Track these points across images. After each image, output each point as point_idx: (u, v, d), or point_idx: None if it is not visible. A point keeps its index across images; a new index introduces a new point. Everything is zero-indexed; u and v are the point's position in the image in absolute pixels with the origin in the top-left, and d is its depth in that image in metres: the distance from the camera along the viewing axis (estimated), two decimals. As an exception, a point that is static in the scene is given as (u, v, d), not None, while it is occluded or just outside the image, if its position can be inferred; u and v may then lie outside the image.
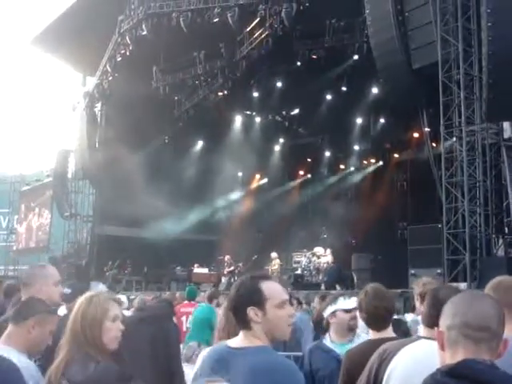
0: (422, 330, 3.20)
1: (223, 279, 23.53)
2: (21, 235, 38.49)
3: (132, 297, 12.23)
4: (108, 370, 3.03)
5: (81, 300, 3.23)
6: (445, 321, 2.02)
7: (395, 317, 9.21)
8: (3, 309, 5.71)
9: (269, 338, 2.74)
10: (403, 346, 3.08)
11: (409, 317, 7.97)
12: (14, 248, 38.29)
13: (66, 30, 25.07)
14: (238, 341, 2.78)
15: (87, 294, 3.30)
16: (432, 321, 3.07)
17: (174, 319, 6.67)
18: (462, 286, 13.28)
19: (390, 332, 3.86)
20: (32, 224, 36.98)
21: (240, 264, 24.11)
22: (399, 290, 13.66)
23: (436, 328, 2.11)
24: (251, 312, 2.79)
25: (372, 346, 3.57)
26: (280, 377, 2.62)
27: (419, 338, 3.14)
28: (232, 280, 23.25)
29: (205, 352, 2.99)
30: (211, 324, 7.73)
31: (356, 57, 21.84)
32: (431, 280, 4.13)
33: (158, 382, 5.39)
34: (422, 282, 4.03)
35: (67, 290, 6.31)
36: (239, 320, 2.81)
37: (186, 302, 10.45)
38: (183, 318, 9.53)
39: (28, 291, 3.96)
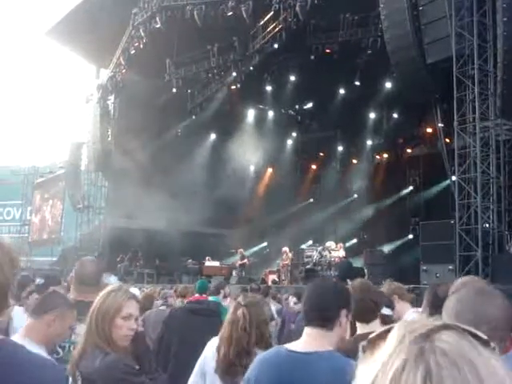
0: None
1: (234, 272, 23.58)
2: (35, 226, 38.70)
3: (144, 289, 12.27)
4: (115, 363, 3.04)
5: (101, 293, 3.26)
6: (449, 318, 1.98)
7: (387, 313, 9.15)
8: (17, 299, 5.76)
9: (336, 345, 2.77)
10: None
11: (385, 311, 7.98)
12: (30, 239, 38.49)
13: (80, 22, 25.12)
14: (305, 344, 2.73)
15: (108, 288, 3.31)
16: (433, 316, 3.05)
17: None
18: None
19: (377, 325, 3.86)
20: (46, 215, 37.17)
21: (250, 258, 24.19)
22: (411, 286, 13.66)
23: None
24: (343, 313, 2.81)
25: (360, 340, 3.57)
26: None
27: None
28: (243, 273, 23.32)
29: (256, 358, 2.92)
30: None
31: (370, 51, 21.73)
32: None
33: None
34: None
35: (40, 281, 6.37)
36: (323, 318, 2.76)
37: (196, 294, 10.47)
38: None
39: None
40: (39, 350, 3.16)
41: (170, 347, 5.92)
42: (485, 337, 0.81)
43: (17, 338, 3.21)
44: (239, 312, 3.74)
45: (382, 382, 0.77)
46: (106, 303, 3.17)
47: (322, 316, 2.77)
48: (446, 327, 0.81)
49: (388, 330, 0.83)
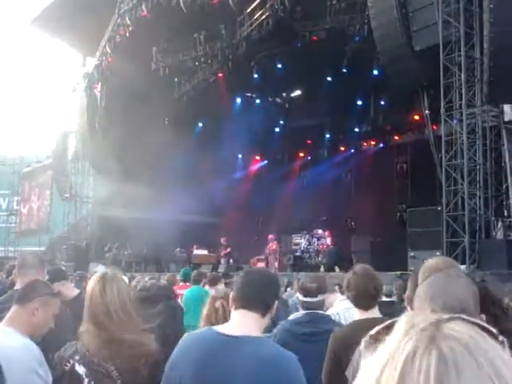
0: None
1: (222, 261, 23.63)
2: (23, 216, 38.54)
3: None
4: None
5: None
6: (421, 304, 2.00)
7: (387, 299, 9.24)
8: (5, 288, 5.75)
9: None
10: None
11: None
12: (17, 229, 38.35)
13: (65, 11, 24.96)
14: (237, 327, 2.71)
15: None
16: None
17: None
18: (461, 268, 13.33)
19: (376, 312, 3.88)
20: (33, 205, 37.02)
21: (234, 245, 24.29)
22: (398, 272, 13.73)
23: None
24: (276, 303, 2.84)
25: (359, 326, 3.60)
26: (287, 368, 2.62)
27: None
28: (231, 261, 23.37)
29: (182, 339, 2.85)
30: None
31: (357, 38, 21.70)
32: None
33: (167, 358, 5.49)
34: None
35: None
36: (264, 303, 2.78)
37: (181, 283, 10.54)
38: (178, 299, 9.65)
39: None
40: (24, 338, 3.16)
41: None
42: (494, 330, 0.81)
43: (0, 327, 3.21)
44: (217, 304, 3.76)
45: (391, 370, 0.75)
46: None
47: (263, 301, 2.78)
48: (453, 318, 0.81)
49: (392, 324, 0.83)
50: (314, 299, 4.48)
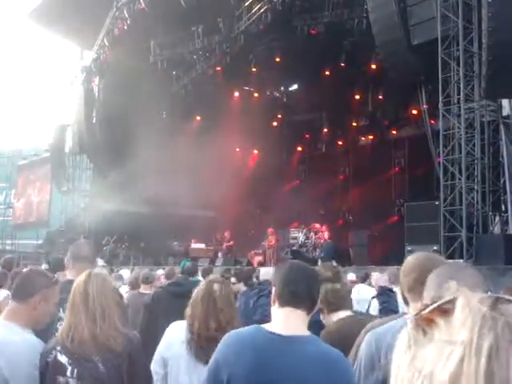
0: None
1: (220, 254, 23.65)
2: (18, 210, 38.47)
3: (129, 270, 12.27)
4: None
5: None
6: (429, 292, 2.04)
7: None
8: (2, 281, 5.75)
9: None
10: (387, 323, 3.09)
11: None
12: (14, 222, 38.29)
13: (63, 4, 24.88)
14: (285, 326, 2.64)
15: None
16: (412, 297, 3.10)
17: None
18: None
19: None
20: (32, 198, 36.92)
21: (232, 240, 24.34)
22: (395, 267, 13.74)
23: (420, 302, 2.14)
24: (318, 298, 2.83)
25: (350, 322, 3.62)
26: (342, 369, 2.62)
27: (403, 314, 3.16)
28: (229, 255, 23.39)
29: (229, 337, 2.75)
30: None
31: (355, 32, 21.65)
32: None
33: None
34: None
35: (45, 266, 6.36)
36: (311, 301, 2.72)
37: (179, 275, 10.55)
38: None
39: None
40: (26, 334, 3.16)
41: (157, 333, 5.92)
42: None
43: (1, 322, 3.20)
44: (215, 286, 3.71)
45: (474, 367, 0.68)
46: None
47: (311, 298, 2.72)
48: (502, 300, 0.75)
49: (446, 303, 0.76)
50: None
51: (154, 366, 3.68)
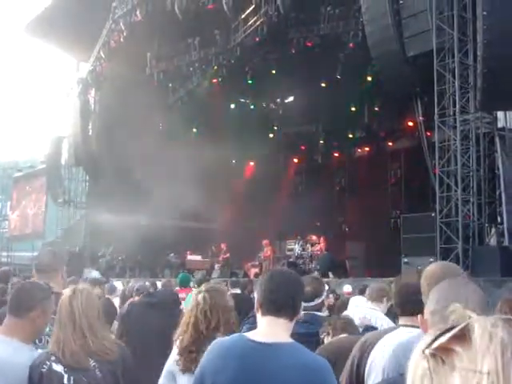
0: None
1: (216, 266, 23.61)
2: (14, 222, 38.40)
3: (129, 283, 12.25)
4: None
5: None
6: (428, 307, 2.06)
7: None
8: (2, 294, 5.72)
9: None
10: (382, 336, 3.09)
11: None
12: (10, 234, 38.21)
13: (59, 16, 24.94)
14: (267, 334, 2.66)
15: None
16: (405, 308, 3.10)
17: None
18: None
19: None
20: (28, 210, 36.88)
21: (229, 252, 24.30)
22: (391, 278, 13.72)
23: (419, 316, 2.16)
24: (301, 304, 2.83)
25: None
26: (324, 375, 2.61)
27: (398, 326, 3.16)
28: (226, 268, 23.34)
29: (213, 346, 2.79)
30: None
31: (351, 44, 21.73)
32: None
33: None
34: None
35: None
36: (293, 308, 2.73)
37: (177, 288, 10.52)
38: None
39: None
40: (26, 348, 3.14)
41: (132, 343, 5.86)
42: None
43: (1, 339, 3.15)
44: (199, 296, 3.68)
45: None
46: None
47: (293, 306, 2.72)
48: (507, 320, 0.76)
49: (460, 331, 0.75)
50: (311, 303, 4.45)
51: (164, 380, 3.65)
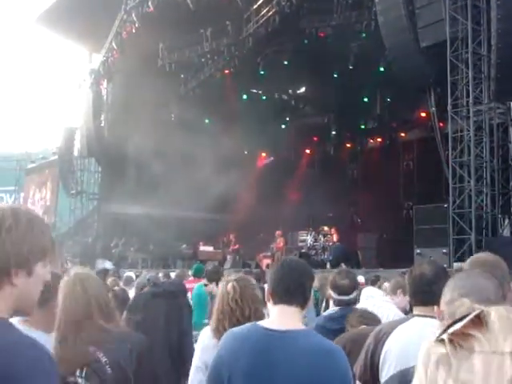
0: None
1: (228, 257, 23.63)
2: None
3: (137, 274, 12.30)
4: None
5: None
6: (445, 297, 2.07)
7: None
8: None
9: None
10: (397, 326, 3.10)
11: None
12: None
13: (71, 7, 24.95)
14: (281, 322, 2.70)
15: None
16: (418, 298, 3.11)
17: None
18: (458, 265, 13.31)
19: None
20: (40, 201, 37.05)
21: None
22: (404, 269, 13.69)
23: (435, 307, 2.18)
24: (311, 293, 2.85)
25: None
26: (339, 359, 2.64)
27: (413, 316, 3.16)
28: (237, 258, 23.37)
29: (228, 335, 2.84)
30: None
31: (364, 35, 21.63)
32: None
33: (169, 355, 5.49)
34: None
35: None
36: (304, 296, 2.77)
37: (191, 278, 10.57)
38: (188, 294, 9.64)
39: None
40: (50, 337, 3.15)
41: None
42: None
43: (30, 332, 3.14)
44: (229, 286, 3.71)
45: None
46: None
47: (303, 294, 2.76)
48: None
49: (476, 317, 0.76)
50: (349, 297, 4.47)
51: (198, 375, 3.63)
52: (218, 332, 3.59)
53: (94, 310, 3.12)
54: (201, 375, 3.60)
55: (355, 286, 4.63)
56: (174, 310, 5.76)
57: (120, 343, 3.10)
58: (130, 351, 3.08)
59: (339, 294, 4.49)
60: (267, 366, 2.59)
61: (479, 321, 0.75)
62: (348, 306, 4.48)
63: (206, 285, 7.37)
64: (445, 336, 0.76)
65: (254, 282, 3.92)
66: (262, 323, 2.76)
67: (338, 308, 4.51)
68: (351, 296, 4.48)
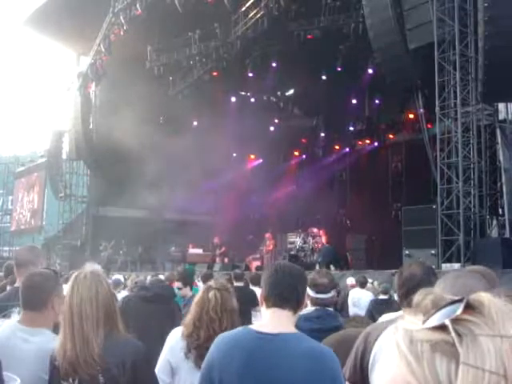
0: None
1: (218, 260, 23.62)
2: (15, 216, 38.42)
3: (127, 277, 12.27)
4: None
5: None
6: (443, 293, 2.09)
7: (384, 297, 9.20)
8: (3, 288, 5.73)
9: None
10: (387, 327, 3.10)
11: None
12: (12, 228, 38.21)
13: (59, 10, 24.84)
14: (273, 325, 2.70)
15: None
16: (408, 300, 3.12)
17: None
18: (456, 266, 13.38)
19: None
20: (29, 205, 36.90)
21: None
22: (393, 270, 13.73)
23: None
24: (305, 297, 2.89)
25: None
26: (329, 363, 2.65)
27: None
28: (227, 261, 23.36)
29: (219, 339, 2.82)
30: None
31: (352, 37, 21.68)
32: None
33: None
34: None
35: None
36: (297, 300, 2.76)
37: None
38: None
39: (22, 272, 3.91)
40: (51, 334, 3.16)
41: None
42: None
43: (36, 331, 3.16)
44: (210, 294, 3.65)
45: None
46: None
47: (296, 298, 2.76)
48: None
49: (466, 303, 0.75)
50: (327, 295, 4.47)
51: (161, 375, 3.59)
52: (191, 339, 3.59)
53: (101, 316, 3.10)
54: (162, 374, 3.61)
55: (333, 286, 4.64)
56: (166, 315, 5.74)
57: (116, 351, 3.06)
58: (123, 361, 3.03)
59: (317, 292, 4.49)
60: (259, 369, 2.59)
61: (470, 306, 0.74)
62: (325, 306, 4.49)
63: (179, 288, 7.32)
64: (447, 321, 0.73)
65: (231, 289, 3.88)
66: (254, 327, 2.77)
67: (313, 308, 4.52)
68: (329, 295, 4.49)
